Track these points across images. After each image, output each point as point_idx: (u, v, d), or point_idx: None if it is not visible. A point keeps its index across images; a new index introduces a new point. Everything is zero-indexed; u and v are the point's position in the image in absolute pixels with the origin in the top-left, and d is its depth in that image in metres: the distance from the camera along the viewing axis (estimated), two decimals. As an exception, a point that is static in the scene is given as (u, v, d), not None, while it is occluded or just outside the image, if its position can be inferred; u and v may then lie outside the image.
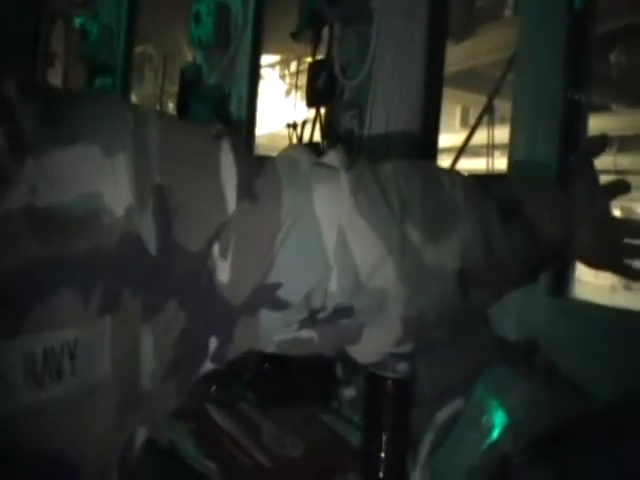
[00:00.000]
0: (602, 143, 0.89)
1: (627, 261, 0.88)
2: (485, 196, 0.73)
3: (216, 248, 0.56)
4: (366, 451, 1.32)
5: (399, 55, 2.39)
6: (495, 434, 1.26)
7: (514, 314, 1.67)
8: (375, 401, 1.32)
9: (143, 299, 0.54)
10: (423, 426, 1.36)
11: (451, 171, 0.75)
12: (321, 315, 0.64)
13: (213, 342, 0.59)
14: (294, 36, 2.75)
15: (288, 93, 5.27)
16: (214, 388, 1.62)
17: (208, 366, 0.62)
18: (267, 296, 0.60)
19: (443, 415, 1.36)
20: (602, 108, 7.33)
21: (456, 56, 5.06)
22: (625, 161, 7.62)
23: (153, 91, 4.66)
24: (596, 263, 0.88)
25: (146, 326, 0.54)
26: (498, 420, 1.27)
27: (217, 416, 1.53)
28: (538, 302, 1.64)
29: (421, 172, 0.71)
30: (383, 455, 1.28)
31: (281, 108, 4.42)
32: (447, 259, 0.68)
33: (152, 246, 0.53)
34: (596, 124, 6.78)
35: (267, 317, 0.61)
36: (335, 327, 0.65)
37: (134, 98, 5.54)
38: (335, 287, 0.62)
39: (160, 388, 0.57)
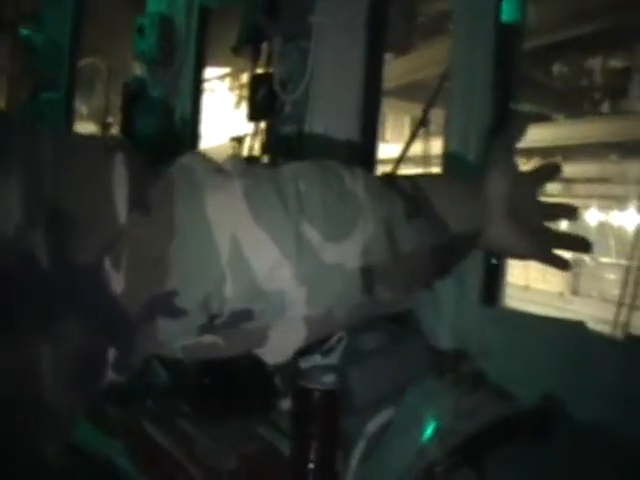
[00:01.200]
0: (521, 128, 0.87)
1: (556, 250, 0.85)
2: (390, 193, 0.72)
3: (108, 260, 0.57)
4: (296, 462, 1.33)
5: (338, 69, 2.42)
6: (423, 442, 1.28)
7: (447, 323, 1.71)
8: (304, 413, 1.33)
9: (40, 315, 0.55)
10: (354, 436, 1.38)
11: (355, 169, 0.74)
12: (220, 320, 0.65)
13: (112, 352, 0.60)
14: (235, 51, 2.76)
15: (237, 105, 5.29)
16: (151, 404, 1.62)
17: (111, 376, 0.63)
18: (164, 304, 0.61)
19: (374, 424, 1.39)
20: (546, 119, 7.53)
21: (403, 69, 5.14)
22: (571, 170, 7.83)
23: (103, 104, 4.62)
24: (518, 253, 0.86)
25: (44, 342, 0.55)
26: (426, 428, 1.29)
27: (153, 432, 1.53)
28: (470, 311, 1.68)
29: (322, 171, 0.71)
30: (312, 466, 1.29)
31: (229, 121, 4.43)
32: (349, 257, 0.67)
33: (45, 262, 0.54)
34: (540, 134, 6.95)
35: (166, 325, 0.62)
36: (238, 331, 0.67)
37: (84, 110, 5.50)
38: (231, 293, 0.63)
39: (63, 402, 0.58)
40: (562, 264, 0.85)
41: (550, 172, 0.87)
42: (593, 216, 7.81)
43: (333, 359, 1.31)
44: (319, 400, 1.31)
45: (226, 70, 5.72)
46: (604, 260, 6.94)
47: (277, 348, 0.71)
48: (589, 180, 7.89)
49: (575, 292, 7.59)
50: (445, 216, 0.75)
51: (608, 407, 1.25)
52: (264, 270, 0.64)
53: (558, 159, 7.70)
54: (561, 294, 7.52)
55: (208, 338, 0.66)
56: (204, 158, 0.68)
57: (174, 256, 0.60)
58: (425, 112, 2.25)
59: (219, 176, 0.66)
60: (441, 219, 0.74)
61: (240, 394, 1.56)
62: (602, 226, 7.62)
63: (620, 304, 3.66)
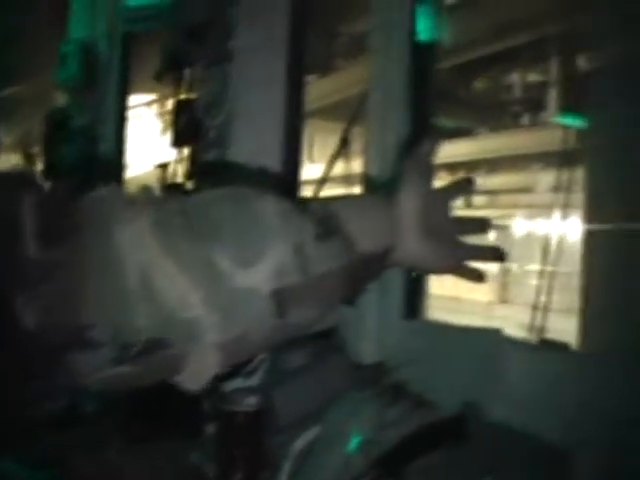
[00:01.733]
0: (434, 143, 0.87)
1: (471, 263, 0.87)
2: (300, 217, 0.74)
3: (21, 296, 0.58)
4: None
5: (259, 93, 2.46)
6: (348, 455, 1.31)
7: (371, 338, 1.75)
8: (228, 435, 1.35)
9: None
10: (282, 455, 1.40)
11: (266, 195, 0.76)
12: (134, 350, 0.66)
13: (33, 385, 0.62)
14: (157, 77, 2.77)
15: (164, 132, 5.25)
16: (77, 433, 1.60)
17: (37, 406, 0.64)
18: (79, 337, 0.63)
19: (301, 443, 1.41)
20: (469, 133, 7.74)
21: (329, 89, 5.22)
22: (495, 182, 8.06)
23: (27, 134, 4.55)
24: (432, 267, 0.88)
25: None
26: (351, 442, 1.32)
27: (79, 461, 1.52)
28: (393, 325, 1.73)
29: (232, 199, 0.73)
30: (237, 487, 1.31)
31: (156, 147, 4.40)
32: (260, 282, 0.69)
33: None
34: (464, 149, 7.11)
35: (82, 357, 0.64)
36: (153, 359, 0.68)
37: (7, 141, 5.37)
38: (143, 323, 0.65)
39: None
40: (477, 276, 0.88)
41: (462, 187, 0.89)
42: (519, 225, 8.04)
43: (255, 380, 1.33)
44: (242, 422, 1.32)
45: (152, 96, 5.68)
46: (530, 268, 7.13)
47: (194, 374, 0.73)
48: (513, 190, 8.13)
49: (503, 300, 7.79)
50: (356, 235, 0.77)
51: (520, 410, 1.31)
52: (174, 299, 0.65)
53: (482, 172, 7.94)
54: (490, 303, 7.68)
55: (125, 369, 0.67)
56: (116, 191, 0.70)
57: (86, 289, 0.62)
58: (346, 132, 2.30)
59: (129, 210, 0.67)
60: (351, 239, 0.76)
61: (168, 420, 1.56)
62: (528, 235, 7.84)
63: (534, 308, 3.80)
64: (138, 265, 0.64)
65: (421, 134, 1.93)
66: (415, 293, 1.79)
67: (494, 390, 1.37)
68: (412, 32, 1.95)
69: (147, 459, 1.50)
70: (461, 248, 0.87)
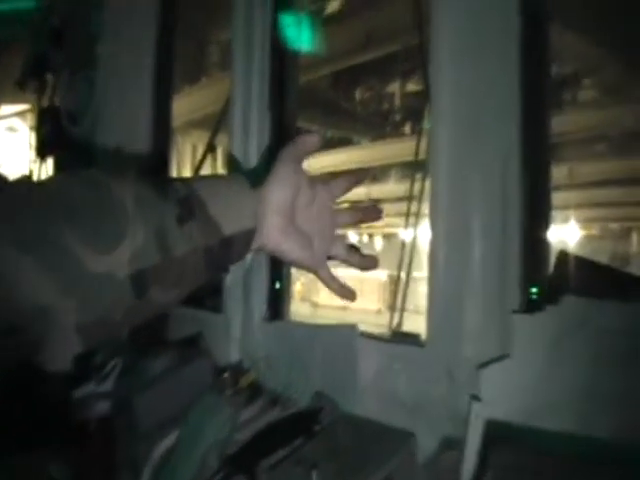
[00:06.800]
0: (313, 139, 0.88)
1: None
2: (160, 198, 0.75)
3: None
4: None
5: (126, 100, 2.44)
6: (203, 456, 1.34)
7: (235, 341, 1.79)
8: (80, 442, 1.34)
9: None
10: (142, 461, 1.41)
11: (125, 178, 0.77)
12: None
13: None
14: (20, 85, 2.71)
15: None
16: None
17: None
18: None
19: (161, 448, 1.42)
20: (350, 143, 7.95)
21: (205, 100, 5.24)
22: (379, 190, 8.28)
23: None
24: (293, 259, 0.88)
25: None
26: (206, 443, 1.35)
27: None
28: (256, 328, 1.77)
29: (90, 184, 0.72)
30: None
31: (24, 160, 4.27)
32: (118, 266, 0.70)
33: None
34: (346, 158, 7.26)
35: None
36: (9, 344, 0.69)
37: None
38: None
39: None
40: (347, 293, 0.90)
41: (349, 178, 0.90)
42: (404, 233, 8.27)
43: (107, 386, 1.33)
44: (95, 429, 1.32)
45: (25, 106, 5.52)
46: (417, 275, 7.34)
47: (55, 357, 0.73)
48: (398, 199, 8.36)
49: (392, 307, 7.98)
50: (218, 217, 0.79)
51: (371, 400, 1.38)
52: (25, 287, 0.66)
53: (366, 181, 8.09)
54: (379, 310, 7.85)
55: None
56: None
57: None
58: (210, 139, 2.33)
59: None
60: (214, 220, 0.78)
61: (26, 432, 1.54)
62: (414, 242, 8.07)
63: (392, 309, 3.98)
64: None
65: (285, 140, 1.98)
66: (279, 297, 1.84)
67: (349, 382, 1.44)
68: (273, 39, 1.99)
69: (4, 469, 1.47)
70: (333, 245, 0.90)
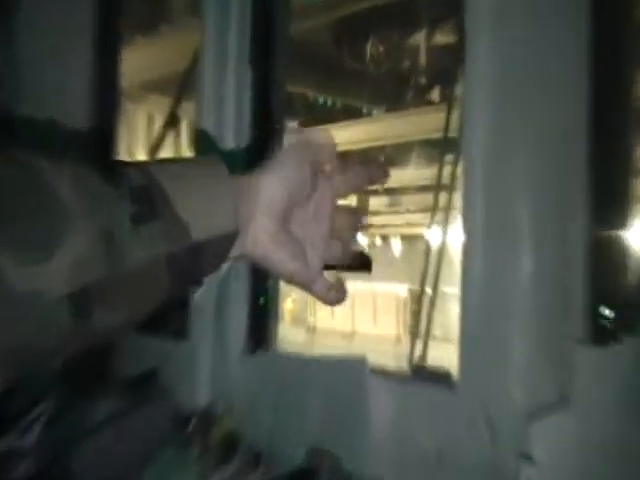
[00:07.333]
0: (323, 134, 0.88)
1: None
2: (111, 191, 0.73)
3: None
4: None
5: (57, 57, 2.44)
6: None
7: (205, 377, 1.78)
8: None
9: None
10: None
11: (63, 162, 0.75)
12: None
13: None
14: None
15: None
16: None
17: None
18: None
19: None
20: (360, 114, 7.94)
21: (165, 55, 5.23)
22: (394, 177, 8.23)
23: None
24: (284, 269, 0.88)
25: None
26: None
27: None
28: (233, 360, 1.76)
29: (11, 165, 0.69)
30: None
31: None
32: (52, 282, 0.68)
33: None
34: (349, 134, 7.25)
35: None
36: None
37: None
38: None
39: None
40: (333, 300, 0.90)
41: (362, 178, 0.90)
42: (430, 235, 8.26)
43: (31, 438, 1.33)
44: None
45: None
46: (446, 290, 7.30)
47: None
48: (421, 189, 8.30)
49: (414, 333, 7.95)
50: (186, 213, 0.77)
51: (384, 456, 1.38)
52: None
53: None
54: (398, 338, 7.81)
55: None
56: None
57: None
58: (172, 108, 2.33)
59: None
60: (180, 218, 0.77)
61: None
62: (442, 246, 8.08)
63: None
64: None
65: (270, 104, 1.99)
66: (262, 317, 1.83)
67: (357, 433, 1.43)
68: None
69: None
70: (328, 251, 0.90)
